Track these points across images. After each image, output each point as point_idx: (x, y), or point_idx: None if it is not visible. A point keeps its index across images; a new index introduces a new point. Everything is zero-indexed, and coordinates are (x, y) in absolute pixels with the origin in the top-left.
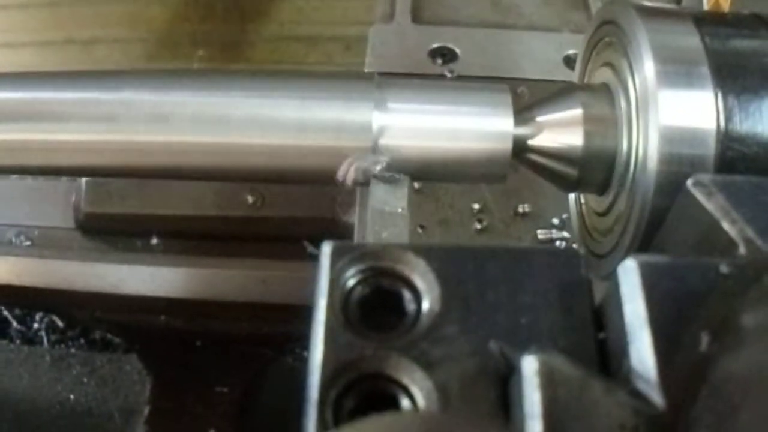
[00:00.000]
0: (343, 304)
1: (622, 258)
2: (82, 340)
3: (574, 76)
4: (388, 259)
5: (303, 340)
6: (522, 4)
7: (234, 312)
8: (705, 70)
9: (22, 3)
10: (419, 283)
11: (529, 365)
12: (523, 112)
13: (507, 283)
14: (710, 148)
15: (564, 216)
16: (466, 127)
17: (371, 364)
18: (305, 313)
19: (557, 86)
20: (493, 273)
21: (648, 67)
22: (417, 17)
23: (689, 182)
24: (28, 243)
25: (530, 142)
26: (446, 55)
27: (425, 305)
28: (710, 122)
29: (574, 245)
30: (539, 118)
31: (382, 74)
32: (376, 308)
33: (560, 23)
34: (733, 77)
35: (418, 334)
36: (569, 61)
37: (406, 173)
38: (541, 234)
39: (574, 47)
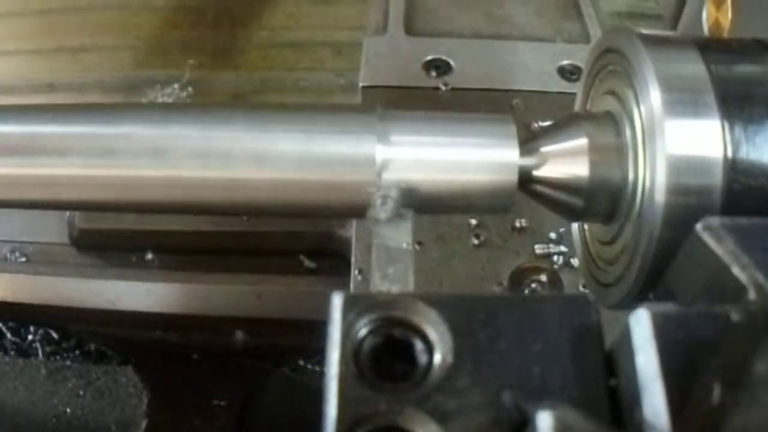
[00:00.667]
0: (355, 356)
1: (630, 290)
2: (77, 352)
3: (568, 87)
4: (399, 309)
5: (300, 352)
6: (515, 14)
7: (230, 327)
8: (711, 98)
9: (11, 11)
10: (431, 333)
11: (544, 422)
12: (527, 142)
13: (519, 332)
14: (717, 179)
15: (561, 230)
16: (471, 159)
17: (385, 418)
18: (302, 326)
19: (552, 97)
20: (505, 322)
21: (654, 96)
22: (410, 29)
23: (699, 226)
24: (23, 259)
25: (535, 172)
26: (440, 67)
27: (437, 356)
28: (717, 152)
29: (573, 260)
30: (544, 149)
31: (376, 88)
32: (387, 356)
33: (554, 33)
34: (740, 107)
35: (431, 386)
36: (563, 72)
37: (411, 207)
38: (538, 249)
39: (568, 57)
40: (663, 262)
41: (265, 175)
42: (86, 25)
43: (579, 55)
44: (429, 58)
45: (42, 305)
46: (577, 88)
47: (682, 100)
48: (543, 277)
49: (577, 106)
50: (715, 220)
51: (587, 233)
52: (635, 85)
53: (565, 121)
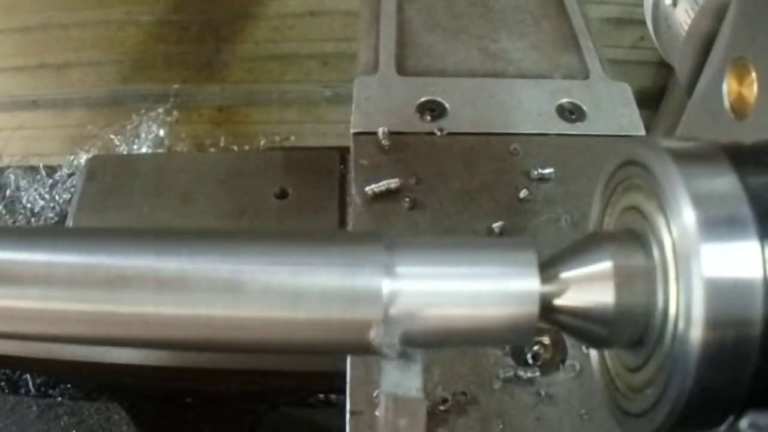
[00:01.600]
0: None
1: (658, 429)
2: (68, 385)
3: (567, 128)
4: None
5: (297, 395)
6: (510, 48)
7: (225, 377)
8: (747, 217)
9: None
10: None
11: None
12: (547, 268)
13: None
14: (757, 309)
15: None
16: (487, 290)
17: None
18: (299, 376)
19: (551, 140)
20: None
21: (687, 216)
22: (402, 67)
23: (744, 425)
24: None
25: (556, 301)
26: (435, 110)
27: None
28: (757, 278)
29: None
30: (564, 274)
31: (368, 134)
32: None
33: (551, 68)
34: None
35: None
36: (562, 111)
37: (421, 345)
38: None
39: (567, 95)
40: (696, 403)
41: (259, 312)
42: (70, 40)
43: (577, 92)
44: (423, 100)
45: (32, 358)
46: (575, 129)
47: (717, 220)
48: (545, 339)
49: (592, 224)
50: (763, 418)
51: (607, 352)
52: (664, 203)
53: (587, 242)
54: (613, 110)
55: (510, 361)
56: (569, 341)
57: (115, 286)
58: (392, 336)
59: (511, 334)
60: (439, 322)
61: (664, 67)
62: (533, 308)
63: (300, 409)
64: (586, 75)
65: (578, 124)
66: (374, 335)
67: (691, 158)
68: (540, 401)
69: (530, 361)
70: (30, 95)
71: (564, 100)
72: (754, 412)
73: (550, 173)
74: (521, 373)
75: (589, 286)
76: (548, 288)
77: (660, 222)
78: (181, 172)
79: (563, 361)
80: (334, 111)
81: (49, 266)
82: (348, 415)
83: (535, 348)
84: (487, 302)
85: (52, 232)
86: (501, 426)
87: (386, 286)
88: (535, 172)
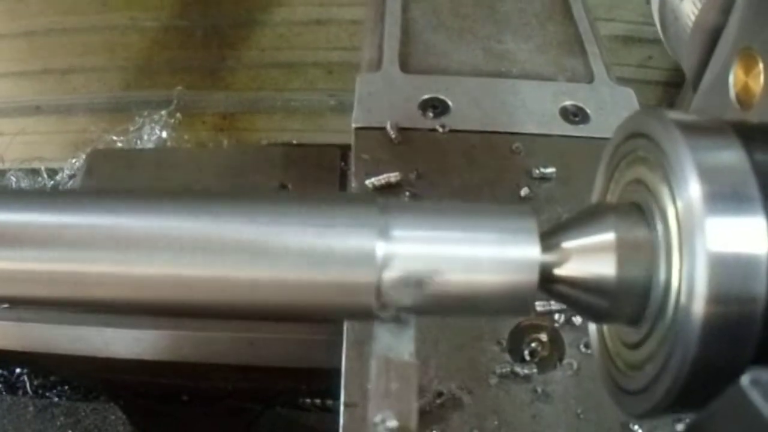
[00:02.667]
0: None
1: (656, 405)
2: (65, 387)
3: (570, 130)
4: None
5: (293, 394)
6: (515, 49)
7: (222, 373)
8: (754, 192)
9: None
10: None
11: None
12: (548, 237)
13: None
14: (762, 285)
15: None
16: (485, 257)
17: None
18: (296, 373)
19: (553, 141)
20: None
21: (693, 190)
22: (405, 65)
23: (745, 381)
24: (7, 305)
25: (557, 271)
26: (438, 107)
27: None
28: (761, 252)
29: (574, 318)
30: (565, 244)
31: (370, 129)
32: None
33: (555, 70)
34: None
35: None
36: (565, 113)
37: (415, 311)
38: (539, 306)
39: (570, 97)
40: (696, 380)
41: (250, 274)
42: (73, 46)
43: (581, 95)
44: (426, 97)
45: (28, 352)
46: (578, 131)
47: (724, 194)
48: (543, 336)
49: (596, 196)
50: (764, 374)
51: (606, 330)
52: (670, 176)
53: (589, 213)
54: (617, 114)
55: (507, 357)
56: (567, 339)
57: (117, 248)
58: (386, 299)
59: (509, 302)
60: (435, 287)
61: (670, 87)
62: (533, 276)
63: (296, 412)
64: (590, 78)
65: (581, 126)
66: (369, 298)
67: (699, 131)
68: (536, 398)
69: (527, 357)
70: (33, 100)
71: (567, 102)
72: (755, 368)
73: (551, 173)
74: (518, 369)
75: (591, 257)
76: (549, 257)
77: (665, 194)
78: (180, 167)
79: (561, 359)
80: (338, 120)
81: (61, 227)
82: (342, 408)
83: (533, 345)
84: (485, 268)
85: (65, 194)
86: (496, 422)
87: (380, 249)
88: (537, 171)
